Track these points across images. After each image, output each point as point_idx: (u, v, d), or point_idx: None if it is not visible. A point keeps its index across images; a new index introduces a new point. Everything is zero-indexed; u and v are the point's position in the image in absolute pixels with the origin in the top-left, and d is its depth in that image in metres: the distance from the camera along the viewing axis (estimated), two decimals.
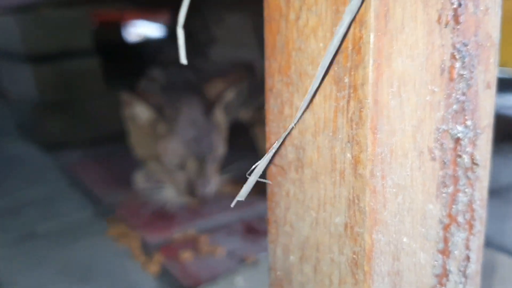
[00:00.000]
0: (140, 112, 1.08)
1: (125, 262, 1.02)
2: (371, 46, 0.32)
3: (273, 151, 0.34)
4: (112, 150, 1.70)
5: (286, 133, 0.36)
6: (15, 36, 1.70)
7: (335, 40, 0.31)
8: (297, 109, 0.38)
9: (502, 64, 2.26)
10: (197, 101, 1.09)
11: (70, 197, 1.33)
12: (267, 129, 0.41)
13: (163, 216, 1.16)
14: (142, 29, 3.66)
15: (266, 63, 0.40)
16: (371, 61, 0.32)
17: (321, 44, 0.35)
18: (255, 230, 1.07)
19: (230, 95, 1.10)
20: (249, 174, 0.35)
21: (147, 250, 1.04)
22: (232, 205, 0.35)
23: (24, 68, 1.72)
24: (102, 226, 1.16)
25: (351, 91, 0.33)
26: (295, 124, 0.37)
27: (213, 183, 1.11)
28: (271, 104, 0.40)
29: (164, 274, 0.96)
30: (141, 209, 1.20)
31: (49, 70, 1.68)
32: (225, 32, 1.23)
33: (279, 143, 0.35)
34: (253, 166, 0.35)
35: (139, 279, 0.95)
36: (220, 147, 1.11)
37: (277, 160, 0.40)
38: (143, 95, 1.09)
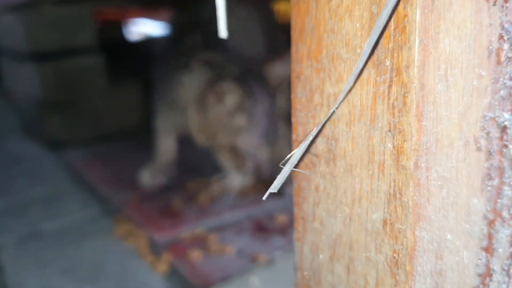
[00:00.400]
0: (231, 101, 1.04)
1: (133, 261, 0.99)
2: (417, 24, 0.28)
3: (309, 140, 0.31)
4: (115, 148, 1.66)
5: (326, 118, 0.33)
6: (17, 34, 1.67)
7: (381, 19, 0.28)
8: (328, 96, 0.34)
9: None
10: (265, 89, 1.05)
11: (75, 196, 1.30)
12: (293, 119, 0.38)
13: (170, 215, 1.13)
14: (144, 28, 3.62)
15: (293, 48, 0.37)
16: (417, 41, 0.29)
17: (357, 25, 0.32)
18: (265, 228, 1.04)
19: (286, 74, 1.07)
20: (283, 165, 0.32)
21: (155, 249, 1.01)
22: (264, 197, 0.31)
23: (27, 66, 1.69)
24: (109, 224, 1.12)
25: (394, 74, 0.30)
26: (332, 113, 0.33)
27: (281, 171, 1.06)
28: (299, 93, 0.37)
29: (173, 274, 0.93)
30: (148, 207, 1.17)
31: (52, 69, 1.65)
32: (234, 24, 1.18)
33: (315, 134, 0.31)
34: (287, 156, 0.31)
35: (147, 279, 0.92)
36: (286, 134, 1.08)
37: (304, 152, 0.37)
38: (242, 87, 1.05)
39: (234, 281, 0.82)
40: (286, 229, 1.03)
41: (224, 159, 1.08)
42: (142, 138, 1.75)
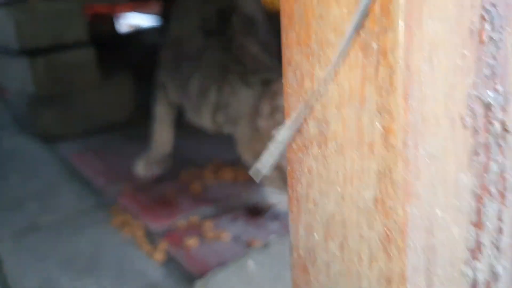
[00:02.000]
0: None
1: (130, 251, 1.00)
2: (401, 7, 0.29)
3: (298, 122, 0.32)
4: (108, 141, 1.66)
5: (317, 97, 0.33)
6: (8, 29, 1.66)
7: (362, 3, 0.29)
8: (318, 81, 0.35)
9: None
10: None
11: (70, 189, 1.30)
12: (286, 104, 0.39)
13: (166, 204, 1.13)
14: (133, 20, 3.60)
15: (283, 35, 0.37)
16: (401, 24, 0.29)
17: (344, 10, 0.32)
18: (259, 214, 1.05)
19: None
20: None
21: (152, 238, 1.02)
22: (251, 173, 0.31)
23: (18, 61, 1.68)
24: (105, 216, 1.13)
25: (380, 57, 0.30)
26: (318, 96, 0.34)
27: None
28: (290, 78, 0.37)
29: (170, 262, 0.94)
30: (143, 198, 1.18)
31: (43, 63, 1.64)
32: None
33: (303, 114, 0.32)
34: (276, 136, 0.32)
35: (145, 268, 0.93)
36: None
37: (297, 136, 0.38)
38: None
39: (230, 266, 0.83)
40: (280, 214, 1.04)
41: (269, 180, 0.99)
42: (134, 130, 1.75)
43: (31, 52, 1.64)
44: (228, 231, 0.99)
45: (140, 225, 1.06)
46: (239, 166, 1.28)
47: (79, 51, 1.70)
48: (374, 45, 0.31)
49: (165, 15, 3.54)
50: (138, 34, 3.10)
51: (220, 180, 1.23)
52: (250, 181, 1.20)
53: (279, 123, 0.97)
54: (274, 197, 1.02)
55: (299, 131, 0.37)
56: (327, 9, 0.33)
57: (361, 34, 0.32)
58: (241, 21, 1.12)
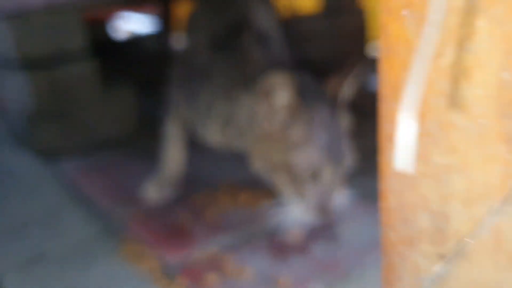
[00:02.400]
0: (281, 101, 0.91)
1: (145, 285, 0.93)
2: None
3: None
4: (111, 158, 1.59)
5: None
6: (6, 41, 1.58)
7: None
8: (435, 167, 0.29)
9: None
10: (324, 100, 0.93)
11: (74, 213, 1.23)
12: (383, 185, 0.32)
13: (180, 232, 1.07)
14: (130, 25, 3.52)
15: (382, 106, 0.31)
16: None
17: (479, 91, 0.26)
18: (281, 245, 0.99)
19: (349, 90, 0.95)
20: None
21: (167, 271, 0.95)
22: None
23: (17, 74, 1.60)
24: (114, 245, 1.06)
25: None
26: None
27: (341, 195, 0.94)
28: (387, 156, 0.31)
29: None
30: (155, 224, 1.11)
31: (43, 77, 1.57)
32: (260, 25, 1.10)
33: None
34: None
35: None
36: (350, 154, 0.94)
37: (401, 226, 0.32)
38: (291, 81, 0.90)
39: None
40: (304, 246, 0.98)
41: (281, 183, 0.94)
42: (137, 146, 1.68)
43: (30, 65, 1.57)
44: (250, 265, 0.93)
45: (154, 257, 0.99)
46: (254, 188, 1.22)
47: (80, 64, 1.62)
48: None
49: (163, 16, 3.46)
50: (135, 41, 3.02)
51: (236, 204, 1.17)
52: (266, 204, 1.14)
53: (279, 122, 0.92)
54: (287, 206, 0.94)
55: (404, 222, 0.31)
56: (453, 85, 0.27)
57: (505, 123, 0.25)
58: (252, 36, 1.07)
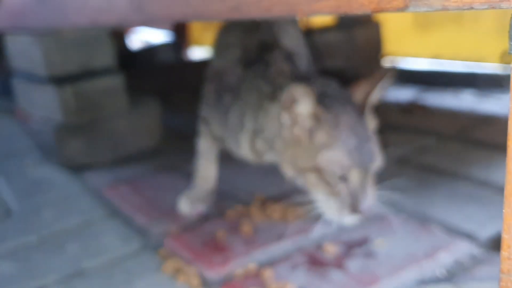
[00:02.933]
0: (304, 110, 0.93)
1: None
2: None
3: None
4: (139, 171, 1.60)
5: None
6: (35, 56, 1.60)
7: None
8: None
9: (480, 59, 2.26)
10: (350, 105, 0.96)
11: (111, 227, 1.24)
12: (506, 235, 0.33)
13: (217, 247, 1.07)
14: (144, 35, 3.54)
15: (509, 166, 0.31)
16: None
17: None
18: (319, 261, 0.99)
19: (376, 96, 0.98)
20: None
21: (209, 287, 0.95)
22: None
23: (45, 88, 1.62)
24: (154, 260, 1.07)
25: None
26: None
27: (372, 196, 0.96)
28: None
29: None
30: (192, 240, 1.11)
31: (71, 90, 1.58)
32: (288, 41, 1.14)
33: None
34: None
35: None
36: (379, 156, 0.97)
37: None
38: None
39: None
40: (341, 261, 0.98)
41: (313, 186, 0.95)
42: (164, 159, 1.69)
43: (58, 80, 1.58)
44: (290, 281, 0.93)
45: (194, 273, 0.99)
46: (286, 202, 1.22)
47: (107, 78, 1.64)
48: None
49: (177, 30, 3.49)
50: (150, 51, 3.04)
51: (269, 219, 1.18)
52: (300, 219, 1.15)
53: (303, 127, 0.94)
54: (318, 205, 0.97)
55: None
56: None
57: None
58: (281, 53, 1.09)
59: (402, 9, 0.33)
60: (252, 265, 0.99)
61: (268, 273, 0.96)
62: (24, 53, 1.69)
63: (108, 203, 1.38)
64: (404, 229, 1.08)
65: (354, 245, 1.03)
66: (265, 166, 1.42)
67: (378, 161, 0.96)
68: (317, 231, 1.07)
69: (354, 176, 0.92)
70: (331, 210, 0.95)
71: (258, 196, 1.29)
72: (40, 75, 1.61)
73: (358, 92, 0.98)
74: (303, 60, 1.14)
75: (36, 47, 1.56)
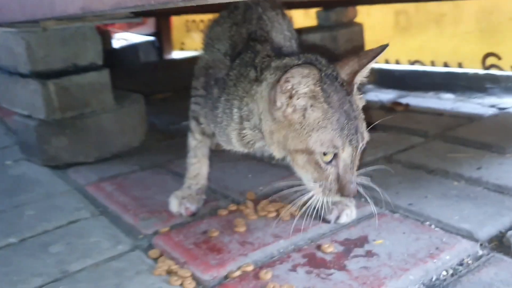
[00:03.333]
0: (304, 90, 0.89)
1: None
2: None
3: None
4: (126, 169, 1.53)
5: None
6: (17, 51, 1.52)
7: None
8: None
9: (461, 62, 2.26)
10: (339, 83, 0.92)
11: (98, 227, 1.18)
12: None
13: (211, 248, 1.02)
14: (126, 35, 3.48)
15: None
16: None
17: None
18: (317, 261, 0.95)
19: (363, 74, 0.95)
20: None
21: None
22: None
23: (28, 84, 1.54)
24: (146, 262, 1.01)
25: None
26: None
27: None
28: None
29: None
30: (184, 240, 1.06)
31: (55, 86, 1.52)
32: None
33: None
34: None
35: None
36: (366, 134, 0.95)
37: None
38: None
39: None
40: (341, 261, 0.93)
41: (300, 167, 0.93)
42: (148, 156, 1.64)
43: (42, 75, 1.51)
44: (289, 282, 0.88)
45: (189, 275, 0.93)
46: (278, 200, 1.17)
47: (92, 74, 1.57)
48: None
49: (157, 35, 3.43)
50: (132, 48, 2.97)
51: (263, 218, 1.13)
52: (294, 217, 1.10)
53: (298, 107, 0.90)
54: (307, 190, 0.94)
55: None
56: None
57: None
58: (268, 43, 1.07)
59: None
60: (249, 267, 0.94)
61: (266, 275, 0.90)
62: (6, 47, 1.61)
63: (93, 202, 1.32)
64: (402, 229, 1.04)
65: (353, 245, 0.99)
66: (254, 167, 1.38)
67: (366, 139, 0.94)
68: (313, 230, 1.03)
69: (345, 155, 0.90)
70: (319, 194, 0.93)
71: (250, 194, 1.24)
72: (23, 70, 1.53)
73: (345, 70, 0.95)
74: (291, 42, 1.14)
75: (19, 41, 1.48)
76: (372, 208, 1.03)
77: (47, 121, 1.53)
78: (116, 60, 2.81)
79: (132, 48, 2.97)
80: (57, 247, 1.09)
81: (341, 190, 0.91)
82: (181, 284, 0.91)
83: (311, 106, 0.90)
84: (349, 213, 1.08)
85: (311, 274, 0.90)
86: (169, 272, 0.96)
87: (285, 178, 1.31)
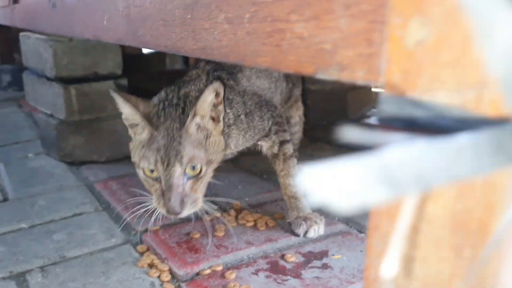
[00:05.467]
0: (126, 114, 1.07)
1: None
2: None
3: None
4: (133, 170, 1.68)
5: None
6: (45, 57, 1.70)
7: None
8: None
9: None
10: (180, 113, 1.05)
11: (98, 220, 1.33)
12: None
13: (191, 248, 1.16)
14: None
15: None
16: None
17: None
18: (279, 268, 1.08)
19: (207, 99, 1.03)
20: None
21: (177, 284, 1.04)
22: None
23: (52, 86, 1.72)
24: (133, 255, 1.15)
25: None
26: None
27: (192, 201, 1.04)
28: None
29: None
30: (169, 239, 1.20)
31: (76, 90, 1.68)
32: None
33: None
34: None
35: None
36: (196, 160, 1.03)
37: None
38: (127, 97, 1.05)
39: None
40: (299, 270, 1.06)
41: (141, 180, 1.10)
42: None
43: (65, 80, 1.68)
44: (250, 285, 1.02)
45: (166, 269, 1.08)
46: (259, 211, 1.31)
47: (111, 82, 1.73)
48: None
49: None
50: (159, 55, 3.12)
51: (242, 226, 1.26)
52: (269, 228, 1.24)
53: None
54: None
55: None
56: None
57: None
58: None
59: (313, 74, 0.42)
60: (219, 267, 1.08)
61: (231, 275, 1.04)
62: (36, 52, 1.79)
63: (99, 198, 1.47)
64: (361, 247, 1.16)
65: (313, 257, 1.12)
66: (245, 178, 1.51)
67: (191, 163, 1.02)
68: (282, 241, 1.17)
69: (159, 171, 1.02)
70: (155, 205, 1.06)
71: (236, 204, 1.38)
72: (48, 74, 1.71)
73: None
74: None
75: (47, 48, 1.66)
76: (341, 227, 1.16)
77: (66, 121, 1.69)
78: (144, 65, 2.97)
79: (159, 55, 3.13)
80: (60, 235, 1.25)
81: (165, 206, 1.02)
82: (159, 276, 1.06)
83: (140, 126, 1.06)
84: (317, 229, 1.21)
85: (269, 279, 1.04)
86: (151, 265, 1.10)
87: (271, 191, 1.46)
